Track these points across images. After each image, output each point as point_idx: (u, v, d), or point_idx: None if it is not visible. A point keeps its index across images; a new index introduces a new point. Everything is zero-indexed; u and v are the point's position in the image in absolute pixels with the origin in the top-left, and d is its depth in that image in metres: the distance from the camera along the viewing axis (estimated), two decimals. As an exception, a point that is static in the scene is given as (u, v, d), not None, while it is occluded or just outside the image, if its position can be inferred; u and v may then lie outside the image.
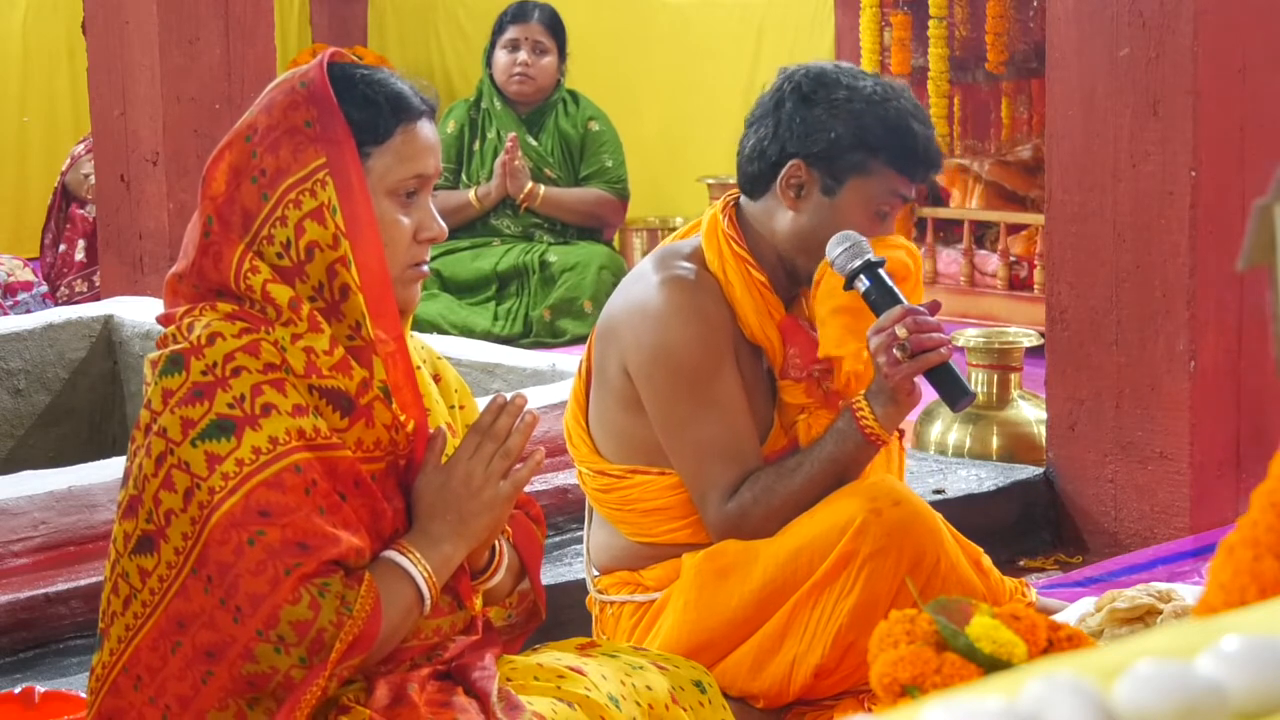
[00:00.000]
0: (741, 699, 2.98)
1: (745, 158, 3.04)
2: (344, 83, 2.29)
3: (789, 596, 2.94)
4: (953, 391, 2.85)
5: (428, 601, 2.29)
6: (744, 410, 2.97)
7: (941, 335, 2.85)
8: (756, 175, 3.02)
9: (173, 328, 2.29)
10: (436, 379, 2.50)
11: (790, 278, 3.03)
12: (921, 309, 2.85)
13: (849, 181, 2.95)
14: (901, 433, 3.02)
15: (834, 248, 2.89)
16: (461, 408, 2.52)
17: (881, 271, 2.88)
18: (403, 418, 2.31)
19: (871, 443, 2.92)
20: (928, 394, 3.01)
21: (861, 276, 2.87)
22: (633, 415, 3.02)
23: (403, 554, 2.29)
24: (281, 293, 2.25)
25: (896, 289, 2.88)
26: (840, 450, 2.93)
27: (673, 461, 3.00)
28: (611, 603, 3.10)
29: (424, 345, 2.54)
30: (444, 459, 2.34)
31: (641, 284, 3.01)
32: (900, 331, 2.81)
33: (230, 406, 2.20)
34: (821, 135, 2.96)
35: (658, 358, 2.95)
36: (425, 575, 2.28)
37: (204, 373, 2.21)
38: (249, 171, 2.27)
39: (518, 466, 2.35)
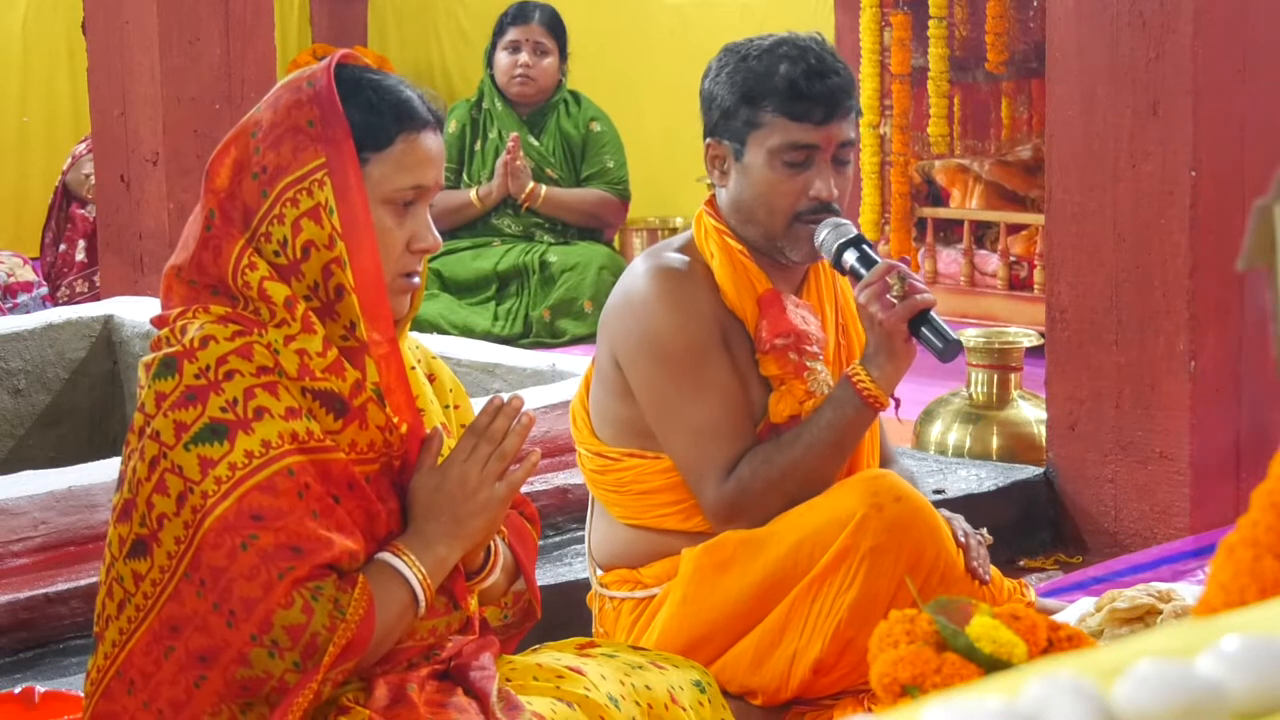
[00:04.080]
0: (741, 696, 2.98)
1: None
2: (351, 86, 2.29)
3: (788, 591, 2.94)
4: (939, 341, 2.90)
5: (422, 603, 2.29)
6: (735, 393, 2.99)
7: (924, 285, 2.94)
8: (706, 169, 3.11)
9: (166, 330, 2.28)
10: (431, 379, 2.49)
11: (768, 251, 3.04)
12: (903, 264, 2.95)
13: (749, 140, 3.01)
14: (898, 401, 3.01)
15: (820, 231, 2.98)
16: (456, 407, 2.52)
17: (866, 246, 2.97)
18: (396, 420, 2.30)
19: (870, 405, 2.94)
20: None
21: (849, 251, 2.95)
22: (626, 403, 3.04)
23: (397, 556, 2.28)
24: (278, 290, 2.24)
25: (881, 260, 2.97)
26: (838, 417, 2.95)
27: (665, 448, 3.01)
28: (612, 598, 3.11)
29: (418, 345, 2.53)
30: (440, 459, 2.34)
31: (630, 275, 3.06)
32: (891, 279, 2.90)
33: (223, 410, 2.20)
34: (715, 107, 3.05)
35: (644, 344, 2.98)
36: (419, 577, 2.28)
37: (197, 376, 2.21)
38: (250, 167, 2.27)
39: (514, 468, 2.34)
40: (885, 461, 3.18)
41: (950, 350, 2.89)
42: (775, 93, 2.97)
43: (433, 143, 2.33)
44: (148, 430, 2.22)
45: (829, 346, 3.09)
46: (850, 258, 2.95)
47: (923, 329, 2.90)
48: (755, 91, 2.99)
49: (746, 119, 2.99)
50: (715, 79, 3.05)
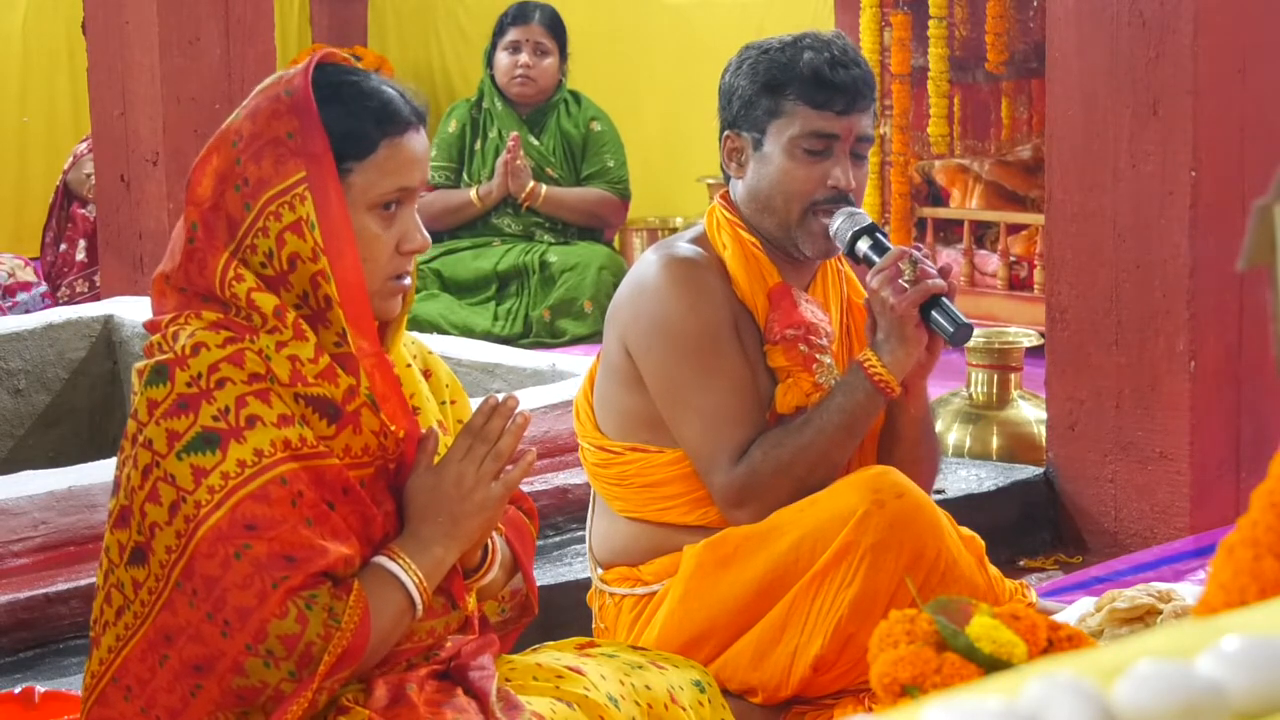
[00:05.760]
0: (741, 694, 2.98)
1: None
2: (329, 92, 2.25)
3: (789, 587, 2.94)
4: (950, 325, 2.90)
5: (419, 607, 2.28)
6: (746, 379, 3.00)
7: (935, 271, 2.94)
8: (722, 163, 3.13)
9: (158, 336, 2.27)
10: (427, 375, 2.48)
11: (781, 244, 3.05)
12: (914, 250, 2.95)
13: (769, 129, 3.03)
14: (907, 389, 3.00)
15: (835, 220, 2.99)
16: (453, 403, 2.51)
17: (880, 235, 2.98)
18: (393, 427, 2.30)
19: (880, 390, 2.94)
20: (929, 390, 3.02)
21: (863, 239, 2.96)
22: (634, 393, 3.04)
23: (393, 559, 2.28)
24: (267, 301, 2.23)
25: (893, 247, 2.98)
26: (849, 401, 2.95)
27: (676, 434, 3.02)
28: (613, 594, 3.11)
29: (414, 340, 2.52)
30: (436, 460, 2.33)
31: (642, 265, 3.08)
32: (903, 264, 2.91)
33: (215, 419, 2.19)
34: (735, 99, 3.06)
35: (656, 330, 2.99)
36: (416, 581, 2.27)
37: (189, 384, 2.20)
38: (233, 179, 2.25)
39: (509, 468, 2.34)
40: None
41: (961, 334, 2.90)
42: (798, 80, 3.00)
43: (416, 143, 2.30)
44: (140, 438, 2.21)
45: (834, 345, 3.09)
46: (864, 245, 2.96)
47: (933, 313, 2.90)
48: (778, 80, 3.01)
49: (768, 108, 3.01)
50: (736, 72, 3.07)
